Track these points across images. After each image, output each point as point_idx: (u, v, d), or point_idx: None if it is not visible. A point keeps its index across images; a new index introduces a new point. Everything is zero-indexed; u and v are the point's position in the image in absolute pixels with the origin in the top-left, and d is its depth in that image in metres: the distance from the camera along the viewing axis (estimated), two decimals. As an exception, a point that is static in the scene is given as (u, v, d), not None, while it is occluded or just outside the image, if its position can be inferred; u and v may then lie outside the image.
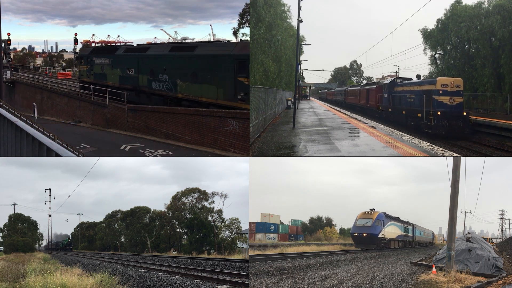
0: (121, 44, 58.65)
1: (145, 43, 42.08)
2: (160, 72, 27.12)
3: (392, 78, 46.41)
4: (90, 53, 36.92)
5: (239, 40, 34.57)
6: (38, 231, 53.59)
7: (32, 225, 52.14)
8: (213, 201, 37.49)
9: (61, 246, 58.00)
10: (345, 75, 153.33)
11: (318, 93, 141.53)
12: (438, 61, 64.68)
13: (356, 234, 27.77)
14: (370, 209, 29.02)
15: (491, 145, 28.91)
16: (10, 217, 51.36)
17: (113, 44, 78.12)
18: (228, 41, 28.90)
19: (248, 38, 38.89)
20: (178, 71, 25.88)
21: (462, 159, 13.94)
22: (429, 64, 66.37)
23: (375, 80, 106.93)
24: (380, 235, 27.48)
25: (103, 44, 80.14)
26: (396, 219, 32.61)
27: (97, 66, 33.92)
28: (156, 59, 27.92)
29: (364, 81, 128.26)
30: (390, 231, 29.99)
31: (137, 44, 34.79)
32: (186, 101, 25.38)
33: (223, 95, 22.73)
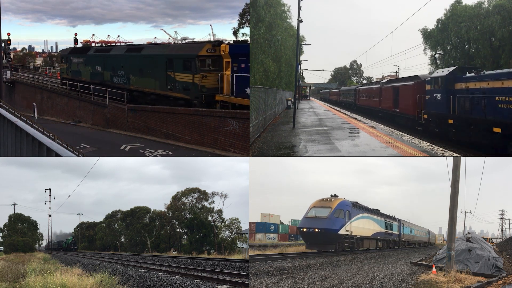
0: (121, 44, 59.06)
1: (145, 43, 42.85)
2: (119, 69, 32.47)
3: (453, 68, 28.08)
4: (69, 53, 41.33)
5: (217, 40, 36.27)
6: (38, 231, 53.60)
7: (32, 225, 52.12)
8: (213, 201, 37.54)
9: (64, 245, 55.33)
10: (345, 75, 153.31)
11: (319, 93, 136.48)
12: (438, 61, 64.71)
13: (304, 230, 19.70)
14: (331, 195, 21.37)
15: None
16: (10, 217, 51.38)
17: (113, 44, 78.17)
18: (194, 41, 34.83)
19: (247, 38, 38.90)
20: (131, 68, 31.27)
21: (462, 159, 13.94)
22: (429, 64, 66.46)
23: (375, 80, 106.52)
24: (342, 232, 19.95)
25: (103, 44, 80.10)
26: (374, 211, 25.73)
27: (74, 64, 38.56)
28: (116, 58, 33.11)
29: (364, 81, 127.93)
30: (361, 226, 22.60)
31: (105, 45, 41.94)
32: (136, 92, 30.54)
33: (159, 86, 28.48)
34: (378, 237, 26.19)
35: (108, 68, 33.44)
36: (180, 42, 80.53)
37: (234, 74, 23.31)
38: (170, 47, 31.12)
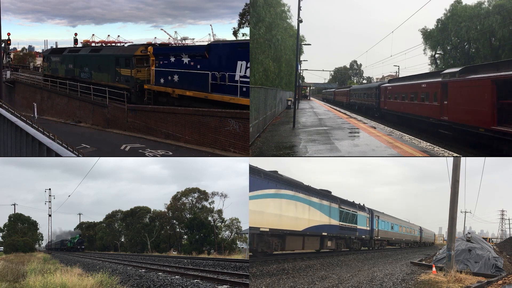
0: (121, 44, 59.24)
1: (145, 43, 43.24)
2: (85, 66, 38.00)
3: None
4: (49, 53, 46.80)
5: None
6: (38, 231, 53.55)
7: (32, 225, 52.11)
8: (213, 201, 37.54)
9: (70, 245, 50.92)
10: (345, 75, 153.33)
11: (321, 93, 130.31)
12: (438, 61, 64.73)
13: None
14: None
15: None
16: (10, 217, 51.40)
17: (113, 44, 78.22)
18: (134, 44, 41.75)
19: (247, 38, 38.92)
20: (92, 65, 36.96)
21: (462, 159, 13.94)
22: (429, 64, 66.53)
23: (375, 81, 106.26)
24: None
25: (103, 44, 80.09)
26: (316, 192, 17.71)
27: (53, 63, 43.59)
28: (83, 58, 38.88)
29: (364, 81, 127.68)
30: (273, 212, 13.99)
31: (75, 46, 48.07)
32: (95, 85, 34.73)
33: (110, 79, 34.11)
34: (325, 233, 18.42)
35: (77, 66, 39.15)
36: (180, 42, 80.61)
37: (155, 69, 29.73)
38: (118, 48, 39.61)
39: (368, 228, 25.02)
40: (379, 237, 27.20)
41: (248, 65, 22.52)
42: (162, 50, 30.33)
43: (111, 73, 33.99)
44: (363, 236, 23.97)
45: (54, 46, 63.60)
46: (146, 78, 31.04)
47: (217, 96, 24.22)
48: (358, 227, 23.04)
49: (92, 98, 34.94)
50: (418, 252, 27.78)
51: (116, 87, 32.51)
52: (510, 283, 11.05)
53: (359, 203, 24.18)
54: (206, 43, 31.52)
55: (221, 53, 24.78)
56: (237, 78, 22.85)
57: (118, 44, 67.86)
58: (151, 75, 30.16)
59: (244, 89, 22.36)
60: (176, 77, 27.69)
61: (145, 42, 48.90)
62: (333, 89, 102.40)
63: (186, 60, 26.92)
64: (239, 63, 22.70)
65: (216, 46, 25.97)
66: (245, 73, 22.43)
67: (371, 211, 25.86)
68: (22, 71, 63.16)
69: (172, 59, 28.05)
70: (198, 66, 25.93)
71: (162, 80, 28.85)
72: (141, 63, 31.73)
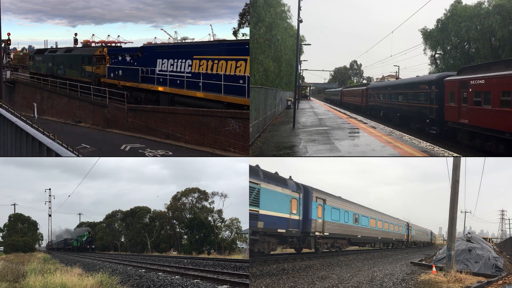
0: (121, 44, 59.55)
1: (145, 43, 44.06)
2: (60, 64, 43.55)
3: None
4: (34, 53, 52.61)
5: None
6: (38, 231, 53.50)
7: (32, 225, 52.09)
8: (213, 201, 37.51)
9: (77, 244, 46.70)
10: (345, 75, 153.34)
11: (323, 93, 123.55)
12: (438, 61, 64.74)
13: None
14: None
15: None
16: (10, 217, 51.38)
17: (113, 44, 78.17)
18: (97, 45, 48.66)
19: (247, 38, 38.94)
20: (66, 63, 42.74)
21: (462, 159, 13.94)
22: (429, 64, 66.49)
23: (375, 81, 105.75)
24: None
25: (102, 44, 80.00)
26: None
27: (37, 62, 48.74)
28: (59, 57, 44.56)
29: (364, 81, 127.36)
30: None
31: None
32: (68, 80, 39.69)
33: (78, 75, 39.88)
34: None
35: (55, 64, 44.54)
36: (180, 42, 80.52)
37: (108, 65, 35.80)
38: (84, 49, 46.54)
39: (297, 217, 15.97)
40: (326, 233, 18.44)
41: (165, 61, 29.15)
42: (113, 51, 37.12)
43: (78, 69, 40.17)
44: (295, 230, 15.85)
45: (54, 46, 63.83)
46: (102, 73, 37.00)
47: (144, 85, 30.92)
48: (289, 217, 15.31)
49: (92, 98, 34.97)
50: (419, 252, 27.75)
51: (82, 81, 38.41)
52: (510, 283, 11.05)
53: (277, 172, 15.62)
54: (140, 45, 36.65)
55: (147, 53, 31.58)
56: (157, 72, 29.78)
57: (118, 44, 68.12)
58: (106, 71, 36.52)
59: (161, 79, 29.19)
60: (120, 72, 33.88)
61: (145, 42, 49.17)
62: (340, 88, 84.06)
63: (128, 58, 33.45)
64: (158, 60, 29.68)
65: (145, 48, 33.33)
66: (161, 68, 29.39)
67: (305, 190, 16.99)
68: (22, 71, 63.16)
69: (120, 58, 34.46)
70: (135, 64, 32.33)
71: (112, 74, 35.02)
72: (100, 61, 37.89)
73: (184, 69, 27.15)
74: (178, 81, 27.49)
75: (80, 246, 45.59)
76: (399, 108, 36.04)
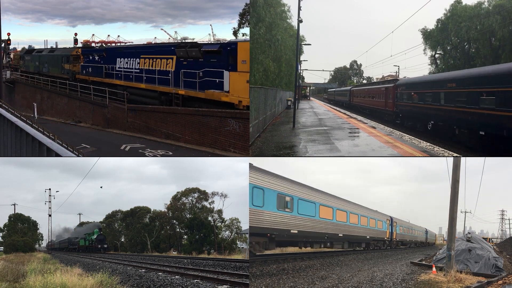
0: (121, 43, 59.92)
1: (145, 43, 44.35)
2: (45, 63, 48.31)
3: None
4: (24, 53, 58.42)
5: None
6: (38, 231, 53.47)
7: (32, 225, 52.08)
8: (213, 201, 37.49)
9: (85, 243, 41.33)
10: (345, 75, 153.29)
11: (326, 93, 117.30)
12: (438, 61, 64.74)
13: None
14: None
15: None
16: (10, 217, 51.35)
17: (112, 44, 78.26)
18: (76, 46, 53.87)
19: (248, 38, 38.96)
20: (49, 62, 47.49)
21: (462, 159, 13.94)
22: (429, 64, 66.50)
23: (375, 81, 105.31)
24: None
25: (102, 44, 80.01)
26: None
27: (26, 61, 53.54)
28: (44, 56, 49.33)
29: (364, 81, 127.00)
30: None
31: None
32: (51, 77, 44.22)
33: (59, 72, 44.44)
34: None
35: (41, 63, 49.21)
36: (180, 42, 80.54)
37: (81, 64, 40.53)
38: (64, 49, 49.88)
39: None
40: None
41: (122, 60, 34.09)
42: (86, 51, 41.63)
43: (59, 67, 45.10)
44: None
45: (54, 46, 64.16)
46: (78, 71, 41.53)
47: (107, 80, 35.46)
48: None
49: (92, 98, 34.98)
50: (419, 252, 27.71)
51: (62, 77, 42.86)
52: (510, 283, 11.05)
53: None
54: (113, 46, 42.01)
55: (110, 53, 36.56)
56: (116, 68, 34.89)
57: (118, 44, 68.43)
58: (80, 68, 41.35)
59: (119, 75, 34.39)
60: (90, 69, 38.58)
61: (145, 42, 49.35)
62: (349, 88, 70.68)
63: (96, 58, 38.20)
64: (117, 59, 34.67)
65: (108, 49, 39.23)
66: (119, 66, 34.42)
67: None
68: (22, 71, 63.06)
69: (90, 57, 39.13)
70: (101, 62, 37.06)
71: (84, 71, 39.87)
72: (76, 60, 42.51)
73: (134, 66, 32.88)
74: (130, 76, 32.91)
75: (89, 246, 39.62)
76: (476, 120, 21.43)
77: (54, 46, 64.66)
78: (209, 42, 45.58)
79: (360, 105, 55.17)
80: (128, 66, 33.28)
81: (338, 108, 59.57)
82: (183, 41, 43.90)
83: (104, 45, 65.82)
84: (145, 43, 52.05)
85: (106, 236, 40.95)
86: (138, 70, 31.83)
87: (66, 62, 43.54)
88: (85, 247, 40.28)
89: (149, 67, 30.74)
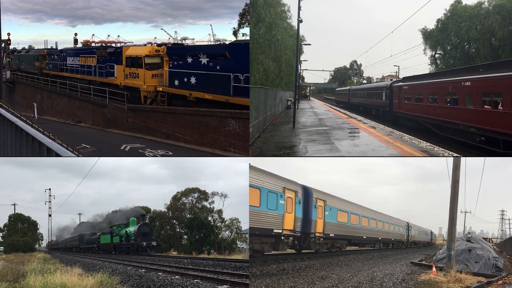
0: (120, 43, 60.14)
1: (145, 43, 44.53)
2: (23, 61, 55.59)
3: None
4: (11, 53, 64.89)
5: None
6: (38, 231, 53.44)
7: (32, 225, 52.07)
8: (213, 201, 37.44)
9: (114, 240, 29.86)
10: (345, 75, 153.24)
11: (334, 94, 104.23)
12: (438, 61, 64.72)
13: None
14: None
15: None
16: (10, 217, 51.36)
17: (112, 44, 78.18)
18: (47, 48, 61.20)
19: (247, 38, 38.96)
20: (26, 61, 54.63)
21: (462, 159, 13.94)
22: (429, 64, 66.49)
23: (375, 81, 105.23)
24: None
25: (102, 44, 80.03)
26: None
27: (13, 60, 60.12)
28: (22, 56, 56.93)
29: (364, 81, 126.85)
30: None
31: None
32: (29, 72, 50.87)
33: (32, 69, 51.50)
34: None
35: (21, 62, 56.38)
36: (179, 42, 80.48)
37: (46, 61, 48.49)
38: (36, 50, 57.25)
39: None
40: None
41: (70, 59, 43.24)
42: (49, 52, 50.35)
43: (32, 65, 52.33)
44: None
45: (54, 46, 64.43)
46: (43, 67, 48.78)
47: (61, 73, 43.88)
48: None
49: (92, 98, 34.98)
50: (419, 252, 27.73)
51: (34, 72, 49.92)
52: (510, 283, 11.05)
53: None
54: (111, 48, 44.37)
55: (63, 54, 45.46)
56: (67, 65, 43.68)
57: (118, 44, 68.51)
58: (45, 65, 48.88)
59: (69, 70, 42.87)
60: (51, 65, 46.73)
61: (145, 42, 49.38)
62: (369, 86, 59.38)
63: (55, 57, 46.85)
64: (68, 58, 43.75)
65: (63, 50, 47.79)
66: (69, 62, 43.19)
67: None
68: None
69: (52, 57, 47.76)
70: (58, 60, 45.81)
71: (47, 67, 47.77)
72: (43, 59, 49.60)
73: (75, 63, 42.30)
74: (74, 70, 42.08)
75: (122, 245, 27.70)
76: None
77: (54, 46, 64.83)
78: (112, 46, 50.49)
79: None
80: (73, 63, 42.96)
81: (338, 108, 59.54)
82: (102, 44, 54.35)
83: (96, 44, 67.98)
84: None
85: (152, 229, 27.92)
86: (78, 66, 41.79)
87: (36, 60, 51.48)
88: (113, 246, 28.88)
89: (83, 63, 40.70)
